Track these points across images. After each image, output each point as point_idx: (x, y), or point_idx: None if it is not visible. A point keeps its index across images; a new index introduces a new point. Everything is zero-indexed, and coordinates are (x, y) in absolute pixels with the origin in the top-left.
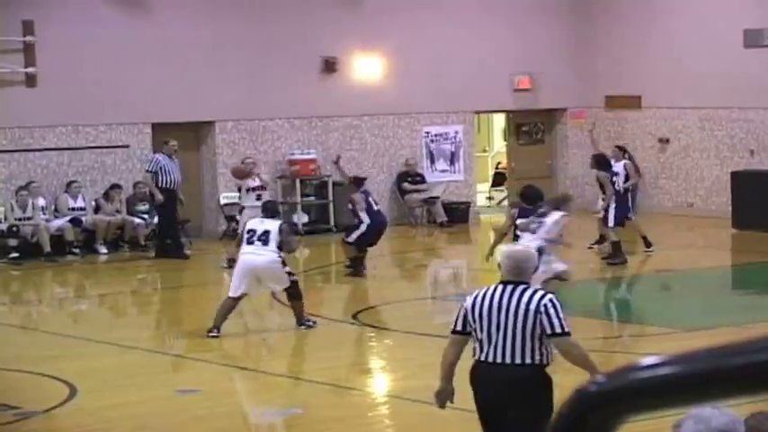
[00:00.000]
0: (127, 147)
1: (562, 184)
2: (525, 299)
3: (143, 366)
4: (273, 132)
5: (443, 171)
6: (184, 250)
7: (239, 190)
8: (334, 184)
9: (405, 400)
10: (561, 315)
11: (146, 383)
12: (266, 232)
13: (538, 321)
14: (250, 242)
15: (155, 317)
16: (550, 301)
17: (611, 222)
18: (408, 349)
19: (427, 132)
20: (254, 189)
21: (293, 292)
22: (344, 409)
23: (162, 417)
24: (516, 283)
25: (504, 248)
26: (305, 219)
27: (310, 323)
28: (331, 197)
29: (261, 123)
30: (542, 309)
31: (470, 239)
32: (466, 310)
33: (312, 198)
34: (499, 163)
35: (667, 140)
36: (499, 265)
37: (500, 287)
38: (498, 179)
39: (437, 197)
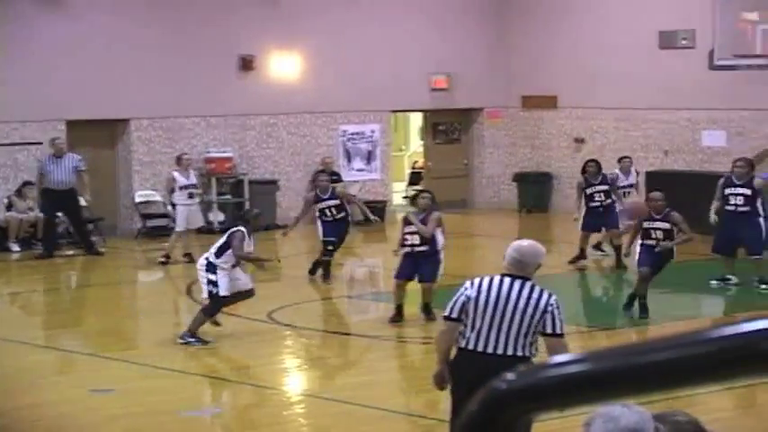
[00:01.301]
0: (40, 144)
1: (478, 183)
2: (535, 295)
3: (56, 366)
4: (189, 130)
5: (360, 170)
6: (96, 248)
7: (172, 191)
8: (251, 182)
9: (321, 398)
10: (562, 317)
11: (59, 383)
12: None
13: (542, 319)
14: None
15: (67, 316)
16: (556, 301)
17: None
18: (324, 348)
19: (344, 131)
20: (186, 187)
21: (206, 305)
22: (260, 409)
23: (76, 417)
24: (521, 278)
25: (513, 243)
26: (221, 217)
27: (192, 341)
28: (247, 195)
29: (177, 121)
30: (549, 308)
31: (386, 238)
32: (468, 298)
33: (228, 196)
34: (416, 162)
35: (583, 140)
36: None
37: (507, 280)
38: (414, 178)
39: (353, 196)
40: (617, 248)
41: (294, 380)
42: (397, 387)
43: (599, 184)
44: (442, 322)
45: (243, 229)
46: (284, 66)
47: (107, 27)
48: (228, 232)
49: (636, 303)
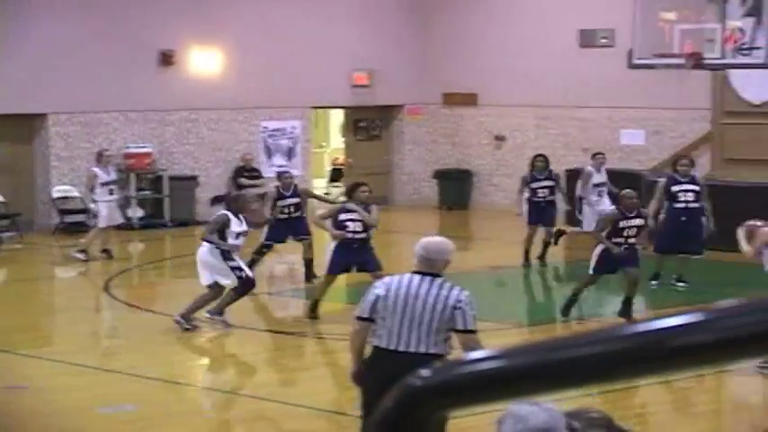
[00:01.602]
0: None
1: (398, 180)
2: (444, 292)
3: None
4: (108, 125)
5: (280, 166)
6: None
7: (92, 188)
8: (170, 178)
9: (238, 395)
10: (474, 313)
11: None
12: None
13: (453, 316)
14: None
15: None
16: (467, 297)
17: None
18: (243, 344)
19: (265, 127)
20: (107, 183)
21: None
22: (178, 405)
23: None
24: (431, 275)
25: (421, 240)
26: (140, 213)
27: (188, 326)
28: (167, 191)
29: (96, 116)
30: (459, 305)
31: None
32: (378, 297)
33: (147, 192)
34: (336, 159)
35: (503, 138)
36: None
37: (416, 278)
38: (335, 175)
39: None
40: (546, 245)
41: (213, 376)
42: (317, 384)
43: (544, 179)
44: (355, 322)
45: (228, 213)
46: (204, 61)
47: (25, 22)
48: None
49: (572, 303)
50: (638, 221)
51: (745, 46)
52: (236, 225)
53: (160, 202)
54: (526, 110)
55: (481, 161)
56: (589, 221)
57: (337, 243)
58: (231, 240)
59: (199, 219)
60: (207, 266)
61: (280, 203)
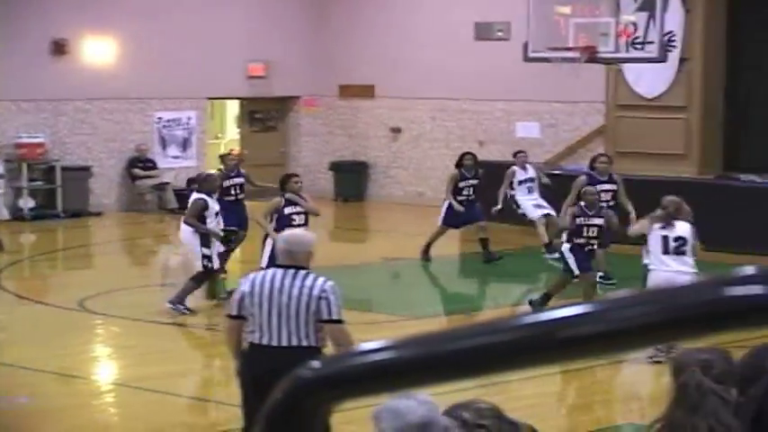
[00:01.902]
0: None
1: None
2: (308, 283)
3: None
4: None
5: (175, 157)
6: None
7: None
8: (63, 168)
9: (131, 387)
10: (339, 302)
11: None
12: None
13: (318, 306)
14: None
15: None
16: (331, 287)
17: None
18: (136, 337)
19: (159, 118)
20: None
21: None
22: (70, 398)
23: None
24: (295, 268)
25: (282, 234)
26: (31, 203)
27: (181, 308)
28: (59, 182)
29: None
30: (323, 294)
31: None
32: (243, 293)
33: (39, 183)
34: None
35: (399, 130)
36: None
37: (279, 271)
38: None
39: (168, 183)
40: (483, 240)
41: (105, 369)
42: (208, 376)
43: (472, 178)
44: (226, 320)
45: (203, 196)
46: (98, 50)
47: None
48: (190, 201)
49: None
50: (597, 221)
51: (638, 40)
52: (213, 204)
53: (53, 193)
54: (422, 102)
55: (377, 153)
56: (531, 210)
57: None
58: (211, 221)
59: (92, 210)
60: (187, 247)
61: (225, 183)
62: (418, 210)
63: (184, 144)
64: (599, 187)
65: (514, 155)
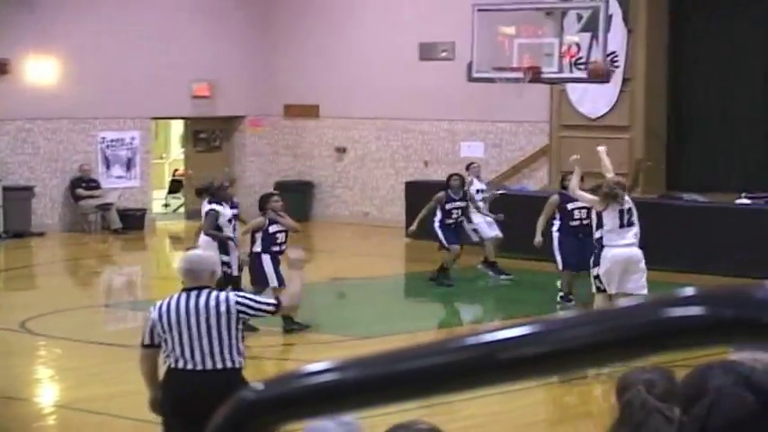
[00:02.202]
0: None
1: (240, 191)
2: (213, 302)
3: None
4: None
5: (119, 177)
6: None
7: None
8: (5, 188)
9: (73, 409)
10: (255, 298)
11: None
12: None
13: (237, 320)
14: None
15: None
16: (236, 296)
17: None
18: (78, 358)
19: (103, 138)
20: None
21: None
22: (10, 421)
23: None
24: (198, 288)
25: (183, 255)
26: None
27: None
28: (1, 202)
29: None
30: (238, 306)
31: (145, 246)
32: (153, 321)
33: None
34: (176, 170)
35: (344, 150)
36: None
37: (184, 295)
38: (175, 186)
39: (112, 203)
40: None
41: (46, 391)
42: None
43: (459, 200)
44: (140, 349)
45: (214, 206)
46: (41, 70)
47: None
48: (203, 213)
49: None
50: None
51: (581, 60)
52: (225, 211)
53: None
54: (367, 122)
55: (323, 173)
56: (483, 227)
57: (271, 257)
58: (227, 230)
59: (34, 230)
60: None
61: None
62: (363, 229)
63: (128, 164)
64: (453, 204)
65: (467, 168)
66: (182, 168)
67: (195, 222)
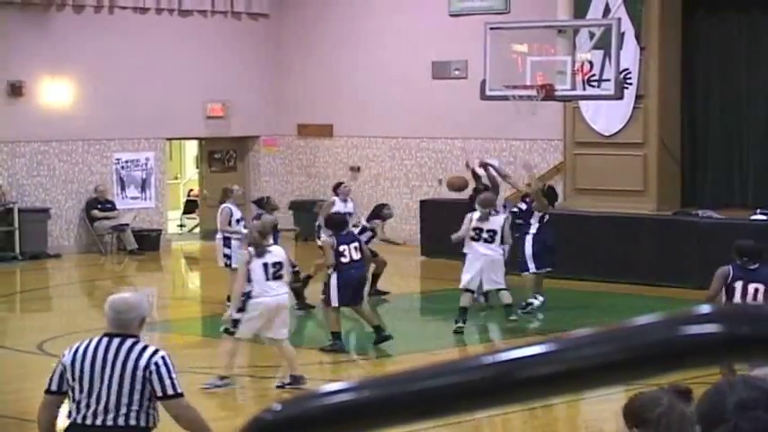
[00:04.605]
0: None
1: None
2: (134, 355)
3: None
4: None
5: (134, 198)
6: None
7: None
8: (21, 210)
9: None
10: (173, 375)
11: None
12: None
13: (147, 381)
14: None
15: None
16: (162, 358)
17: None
18: None
19: (118, 159)
20: None
21: None
22: None
23: None
24: (122, 336)
25: (109, 298)
26: None
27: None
28: (17, 224)
29: None
30: (153, 367)
31: (161, 267)
32: (64, 366)
33: None
34: (191, 190)
35: (358, 169)
36: None
37: (104, 340)
38: (190, 206)
39: (127, 224)
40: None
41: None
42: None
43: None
44: (44, 396)
45: (230, 206)
46: (56, 92)
47: None
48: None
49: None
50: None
51: (594, 78)
52: (237, 213)
53: (10, 235)
54: (381, 141)
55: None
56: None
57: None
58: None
59: (50, 252)
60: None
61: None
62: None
63: (143, 185)
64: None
65: (335, 187)
66: (196, 189)
67: (210, 243)
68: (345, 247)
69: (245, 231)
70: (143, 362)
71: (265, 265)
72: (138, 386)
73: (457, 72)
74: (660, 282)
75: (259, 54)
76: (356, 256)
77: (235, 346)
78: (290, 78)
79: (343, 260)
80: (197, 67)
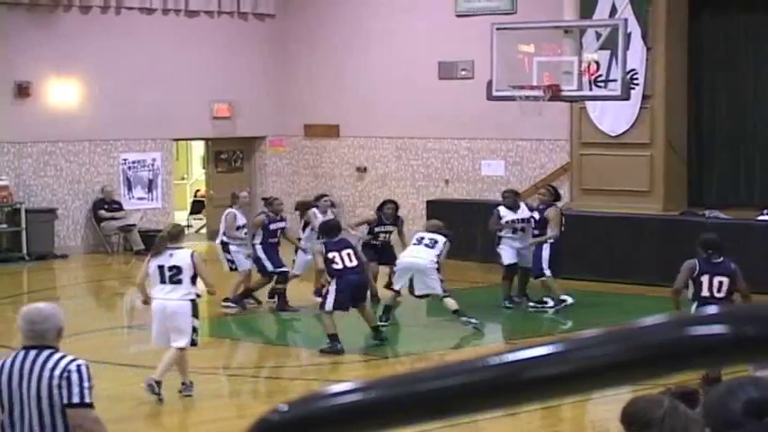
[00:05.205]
0: None
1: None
2: (50, 365)
3: None
4: None
5: (141, 198)
6: None
7: None
8: (28, 210)
9: None
10: (86, 384)
11: None
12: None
13: (59, 389)
14: None
15: None
16: (77, 366)
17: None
18: (101, 380)
19: (125, 159)
20: None
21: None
22: None
23: None
24: (38, 348)
25: (22, 310)
26: None
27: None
28: (24, 225)
29: None
30: (65, 374)
31: None
32: None
33: (4, 225)
34: (198, 190)
35: (365, 169)
36: None
37: (20, 354)
38: (197, 207)
39: (134, 225)
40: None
41: None
42: (180, 417)
43: (390, 224)
44: None
45: (235, 211)
46: (62, 93)
47: None
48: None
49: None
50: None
51: (601, 78)
52: (240, 219)
53: (18, 236)
54: (387, 141)
55: (344, 192)
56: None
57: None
58: (238, 233)
59: (57, 252)
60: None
61: (272, 227)
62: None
63: (150, 185)
64: (381, 229)
65: (317, 198)
66: (203, 189)
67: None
68: (335, 253)
69: (244, 238)
70: (58, 371)
71: (161, 267)
72: (55, 397)
73: (463, 72)
74: (666, 282)
75: (265, 55)
76: (350, 262)
77: (174, 354)
78: (297, 79)
79: (335, 267)
80: (203, 68)
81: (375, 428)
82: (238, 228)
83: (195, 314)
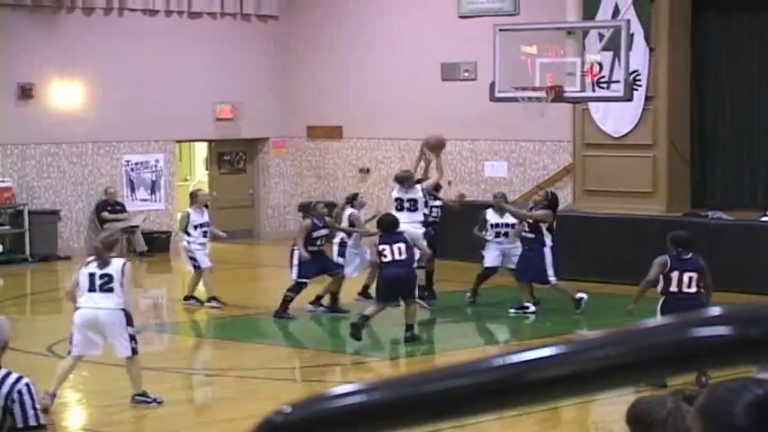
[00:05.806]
0: None
1: (264, 213)
2: None
3: None
4: None
5: (144, 200)
6: None
7: None
8: (31, 212)
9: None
10: (37, 405)
11: None
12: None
13: (8, 412)
14: None
15: None
16: (26, 386)
17: None
18: (106, 381)
19: (127, 161)
20: None
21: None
22: None
23: None
24: None
25: None
26: None
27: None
28: (27, 226)
29: None
30: (16, 396)
31: (171, 269)
32: None
33: (7, 227)
34: (199, 190)
35: (368, 170)
36: None
37: None
38: None
39: (137, 226)
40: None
41: (74, 414)
42: (183, 419)
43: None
44: None
45: (190, 211)
46: (65, 95)
47: None
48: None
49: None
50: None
51: (603, 79)
52: (196, 218)
53: (21, 237)
54: (390, 142)
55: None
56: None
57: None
58: (194, 233)
59: (60, 254)
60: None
61: (314, 234)
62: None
63: (153, 187)
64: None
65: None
66: (206, 190)
67: (220, 244)
68: (386, 246)
69: (203, 240)
70: (4, 390)
71: (92, 275)
72: (8, 422)
73: (466, 73)
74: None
75: (268, 56)
76: (399, 256)
77: (128, 365)
78: (300, 80)
79: (384, 259)
80: (206, 69)
81: (379, 430)
82: (196, 227)
83: (130, 323)
